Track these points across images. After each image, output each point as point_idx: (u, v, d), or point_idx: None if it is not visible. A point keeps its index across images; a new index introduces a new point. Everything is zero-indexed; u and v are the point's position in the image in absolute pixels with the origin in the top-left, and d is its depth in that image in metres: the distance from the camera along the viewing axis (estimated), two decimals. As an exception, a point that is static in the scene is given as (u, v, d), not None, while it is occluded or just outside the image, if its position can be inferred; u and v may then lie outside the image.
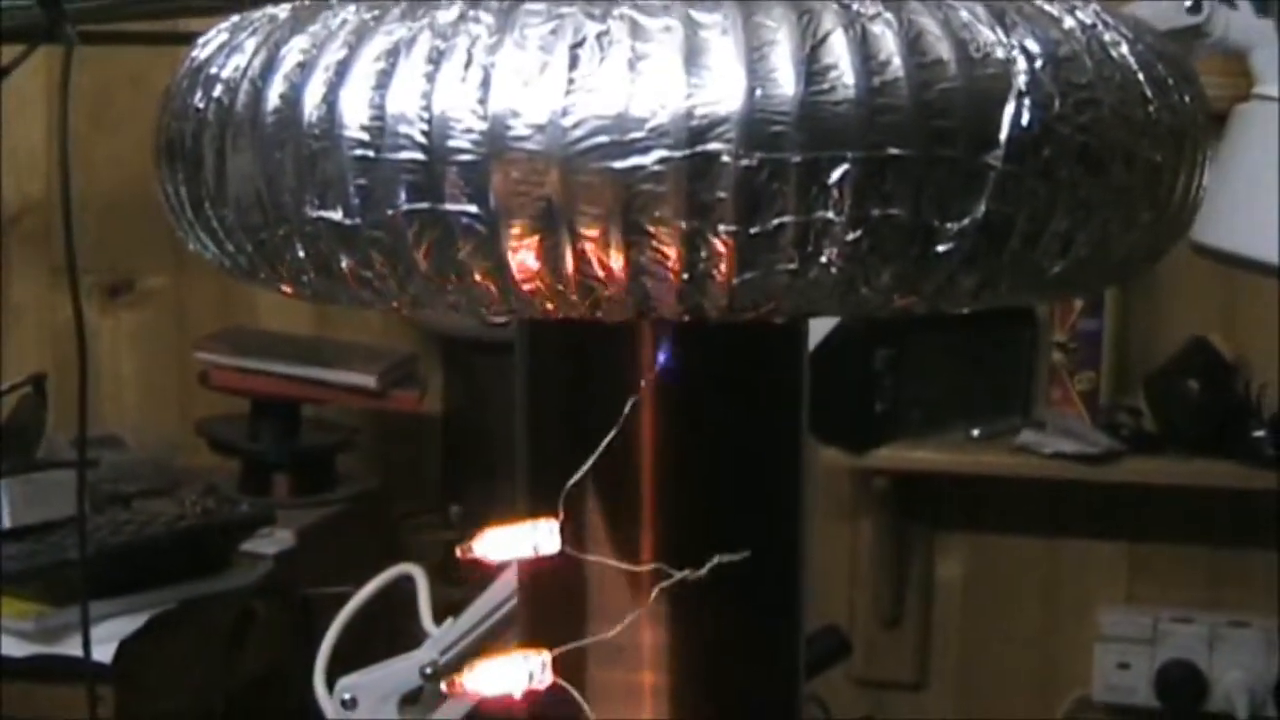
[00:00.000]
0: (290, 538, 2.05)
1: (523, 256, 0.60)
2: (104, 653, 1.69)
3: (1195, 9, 1.36)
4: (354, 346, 2.37)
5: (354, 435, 2.34)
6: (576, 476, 0.73)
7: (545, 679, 0.77)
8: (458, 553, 0.80)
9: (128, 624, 1.76)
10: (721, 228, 0.59)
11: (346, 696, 1.34)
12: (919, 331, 2.22)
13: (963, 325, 2.32)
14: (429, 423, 2.42)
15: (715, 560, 0.73)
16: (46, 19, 1.60)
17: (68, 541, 1.79)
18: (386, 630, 1.38)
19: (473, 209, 0.60)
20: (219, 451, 2.29)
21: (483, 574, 1.41)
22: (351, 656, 1.37)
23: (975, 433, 2.24)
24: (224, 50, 0.67)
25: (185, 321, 2.53)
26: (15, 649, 1.74)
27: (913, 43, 0.60)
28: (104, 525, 1.85)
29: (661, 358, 0.70)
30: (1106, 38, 0.65)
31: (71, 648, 1.70)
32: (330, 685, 1.36)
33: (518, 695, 0.78)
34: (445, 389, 2.40)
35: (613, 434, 0.71)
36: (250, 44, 0.66)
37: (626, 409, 0.69)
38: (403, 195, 0.60)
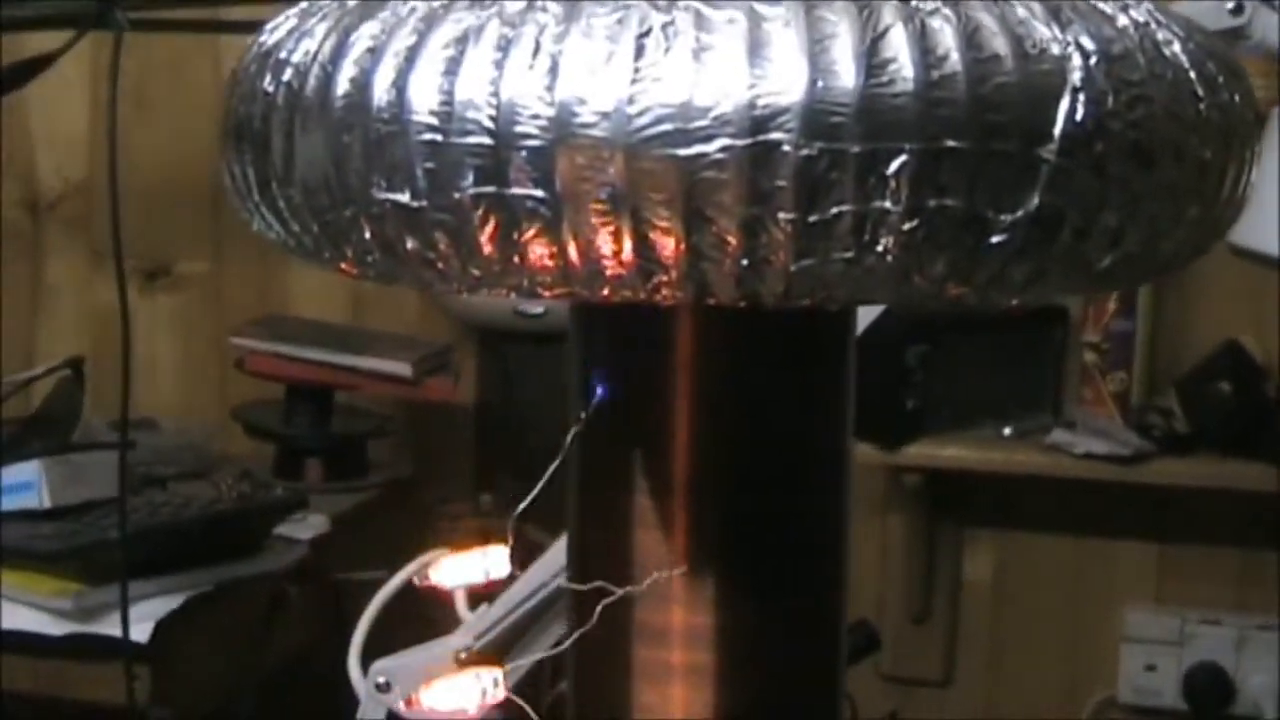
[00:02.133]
0: (324, 523, 2.07)
1: (585, 240, 0.61)
2: (140, 632, 1.71)
3: (1237, 11, 1.37)
4: (389, 335, 2.39)
5: (387, 423, 2.36)
6: (522, 506, 0.74)
7: (498, 695, 0.78)
8: (415, 583, 0.81)
9: (164, 604, 1.77)
10: (781, 215, 0.60)
11: (381, 680, 1.36)
12: (952, 330, 2.24)
13: (995, 325, 2.35)
14: (462, 412, 2.44)
15: (654, 577, 0.75)
16: (96, 5, 1.61)
17: (106, 521, 1.81)
18: (416, 616, 1.40)
19: (538, 193, 0.61)
20: (254, 436, 2.31)
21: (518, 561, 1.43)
22: (382, 642, 1.38)
23: (1006, 431, 2.25)
24: (293, 35, 0.68)
25: (222, 307, 2.55)
26: (53, 627, 1.76)
27: (970, 38, 0.61)
28: (141, 507, 1.87)
29: (598, 389, 0.71)
30: (1159, 36, 0.66)
31: (108, 627, 1.72)
32: (363, 669, 1.37)
33: (472, 711, 0.80)
34: (478, 378, 2.42)
35: (556, 464, 0.73)
36: (320, 29, 0.67)
37: (569, 439, 0.70)
38: (469, 179, 0.62)
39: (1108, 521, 2.37)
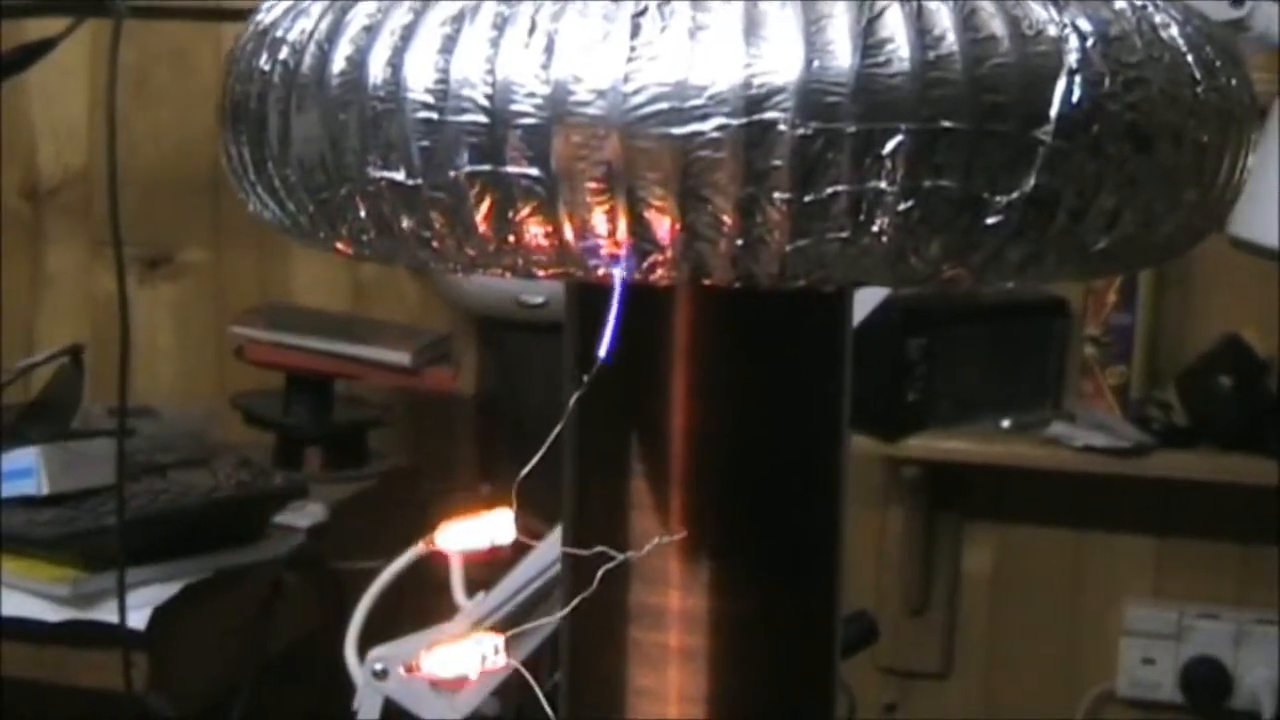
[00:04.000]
0: (322, 512, 2.07)
1: (580, 219, 0.61)
2: (138, 619, 1.71)
3: (1238, 2, 1.37)
4: (389, 324, 2.39)
5: (387, 412, 2.36)
6: (526, 470, 0.74)
7: (499, 661, 0.79)
8: (422, 545, 0.81)
9: (162, 591, 1.78)
10: (776, 195, 0.60)
11: (378, 667, 1.36)
12: (951, 322, 2.24)
13: (995, 317, 2.34)
14: (462, 401, 2.44)
15: (655, 541, 0.75)
16: (96, -9, 1.61)
17: (104, 508, 1.81)
18: (415, 605, 1.40)
19: (533, 172, 0.61)
20: (253, 425, 2.31)
21: (513, 551, 1.43)
22: (380, 630, 1.38)
23: (1006, 424, 2.25)
24: (289, 14, 0.68)
25: (222, 295, 2.55)
26: (51, 613, 1.76)
27: (967, 19, 0.61)
28: (140, 494, 1.87)
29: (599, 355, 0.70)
30: (1156, 19, 0.66)
31: (106, 614, 1.72)
32: (360, 656, 1.38)
33: (473, 677, 0.80)
34: (479, 368, 2.42)
35: (559, 428, 0.72)
36: (316, 8, 0.67)
37: (571, 401, 0.70)
38: (465, 157, 0.62)
39: (1107, 515, 2.37)
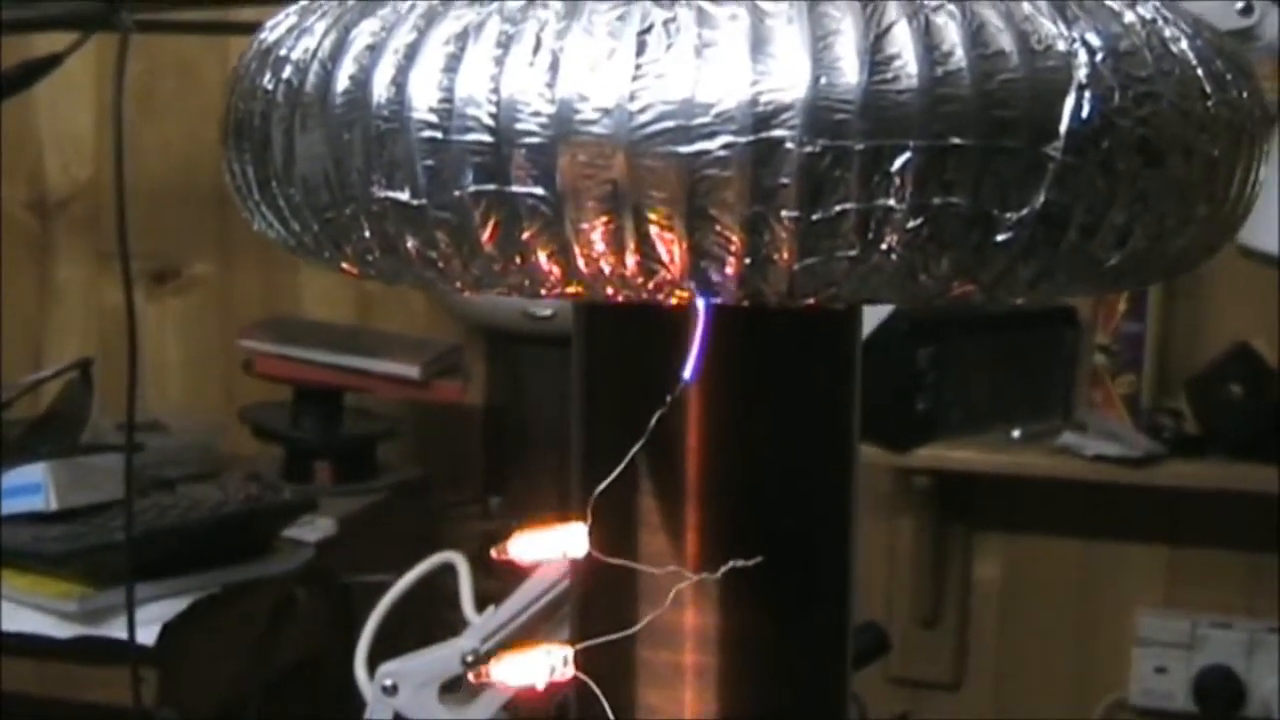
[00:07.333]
0: (332, 525, 2.07)
1: (587, 239, 0.61)
2: (147, 635, 1.71)
3: (1246, 11, 1.37)
4: (397, 337, 2.39)
5: (396, 424, 2.36)
6: (604, 484, 0.73)
7: (567, 672, 0.78)
8: (493, 554, 0.81)
9: (171, 607, 1.78)
10: (784, 213, 0.59)
11: (388, 683, 1.35)
12: (961, 332, 2.24)
13: (1005, 327, 2.34)
14: (470, 413, 2.43)
15: (729, 565, 0.74)
16: (102, 7, 1.61)
17: (113, 524, 1.80)
18: (424, 619, 1.39)
19: (539, 191, 0.60)
20: (262, 438, 2.31)
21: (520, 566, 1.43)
22: (390, 644, 1.38)
23: (1016, 433, 2.24)
24: (293, 33, 0.68)
25: (230, 309, 2.55)
26: (59, 630, 1.75)
27: (975, 34, 0.61)
28: (149, 509, 1.87)
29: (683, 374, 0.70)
30: (1166, 33, 0.65)
31: (115, 629, 1.72)
32: (370, 671, 1.37)
33: (540, 687, 0.80)
34: (487, 380, 2.42)
35: (640, 443, 0.72)
36: (319, 27, 0.67)
37: (652, 421, 0.70)
38: (470, 176, 0.61)
39: (1118, 524, 2.36)
